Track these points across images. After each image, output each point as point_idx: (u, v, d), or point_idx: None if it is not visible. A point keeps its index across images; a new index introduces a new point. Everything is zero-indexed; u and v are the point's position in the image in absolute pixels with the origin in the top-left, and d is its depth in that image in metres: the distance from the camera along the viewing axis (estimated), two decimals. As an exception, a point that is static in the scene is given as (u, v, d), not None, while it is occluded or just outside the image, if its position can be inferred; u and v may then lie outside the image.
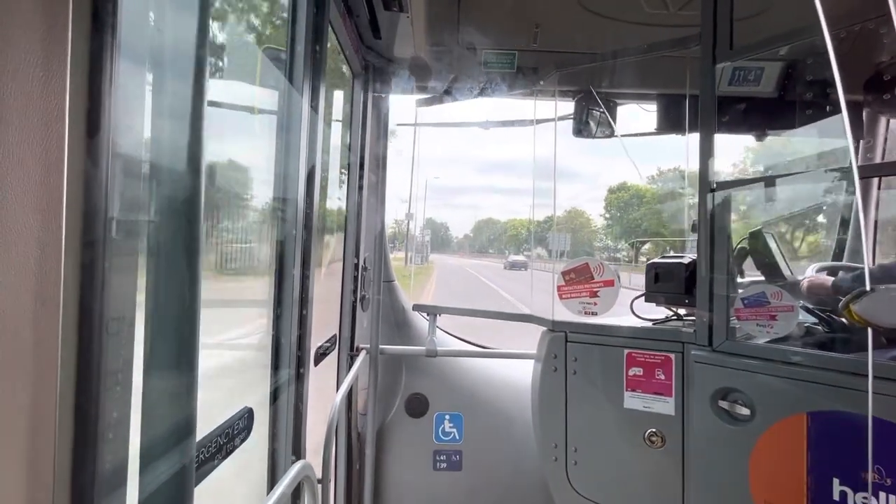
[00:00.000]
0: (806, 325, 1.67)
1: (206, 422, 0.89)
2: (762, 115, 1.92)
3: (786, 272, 1.72)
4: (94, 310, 0.52)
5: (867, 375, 1.11)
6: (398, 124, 2.36)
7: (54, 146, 0.46)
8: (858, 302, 0.99)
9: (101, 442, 0.53)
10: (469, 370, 2.30)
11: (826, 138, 2.05)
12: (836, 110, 1.63)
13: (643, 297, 1.84)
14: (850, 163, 1.52)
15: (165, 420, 0.67)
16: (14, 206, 0.44)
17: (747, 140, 2.10)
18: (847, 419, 1.21)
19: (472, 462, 2.20)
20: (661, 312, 1.88)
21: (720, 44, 1.51)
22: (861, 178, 1.76)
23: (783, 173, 1.44)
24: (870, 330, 1.00)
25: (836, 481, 1.23)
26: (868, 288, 1.00)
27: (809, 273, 1.87)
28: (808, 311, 1.69)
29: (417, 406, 2.22)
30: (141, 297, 0.60)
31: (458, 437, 2.21)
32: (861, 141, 2.09)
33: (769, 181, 1.56)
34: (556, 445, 1.76)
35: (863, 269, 1.78)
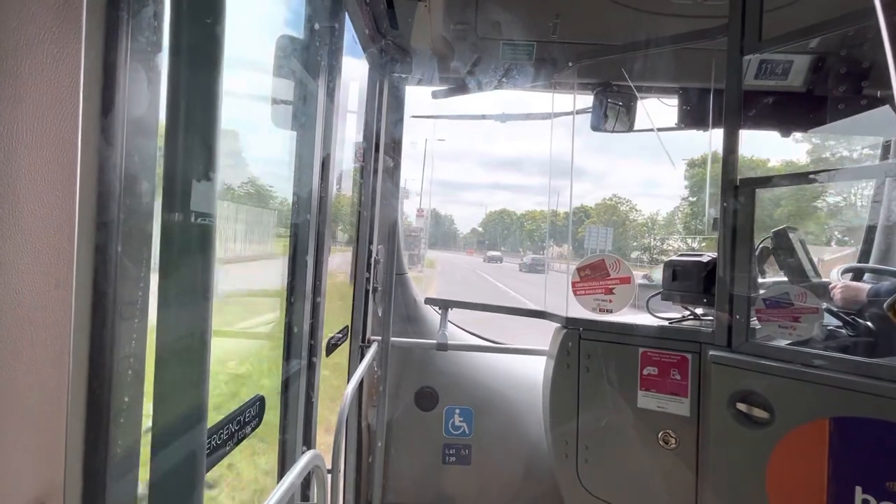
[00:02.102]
0: (829, 327, 1.62)
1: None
2: (789, 110, 1.86)
3: (810, 273, 1.67)
4: (108, 294, 0.51)
5: None
6: (413, 116, 2.33)
7: (67, 126, 0.45)
8: None
9: (113, 426, 0.53)
10: (480, 365, 2.28)
11: (855, 134, 1.97)
12: (870, 105, 1.57)
13: (659, 296, 1.80)
14: None
15: (177, 406, 0.67)
16: (27, 187, 0.43)
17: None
18: (873, 426, 1.17)
19: (481, 457, 2.19)
20: (677, 311, 1.84)
21: (748, 35, 1.45)
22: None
23: (810, 170, 1.39)
24: None
25: (858, 489, 1.19)
26: None
27: (835, 274, 1.81)
28: (832, 313, 1.64)
29: (427, 399, 2.22)
30: (154, 282, 0.59)
31: (467, 432, 2.20)
32: (893, 139, 2.01)
33: (795, 179, 1.50)
34: (567, 443, 1.74)
35: None
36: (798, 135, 2.00)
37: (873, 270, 1.95)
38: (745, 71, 1.49)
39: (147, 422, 0.61)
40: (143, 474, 0.60)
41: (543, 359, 1.91)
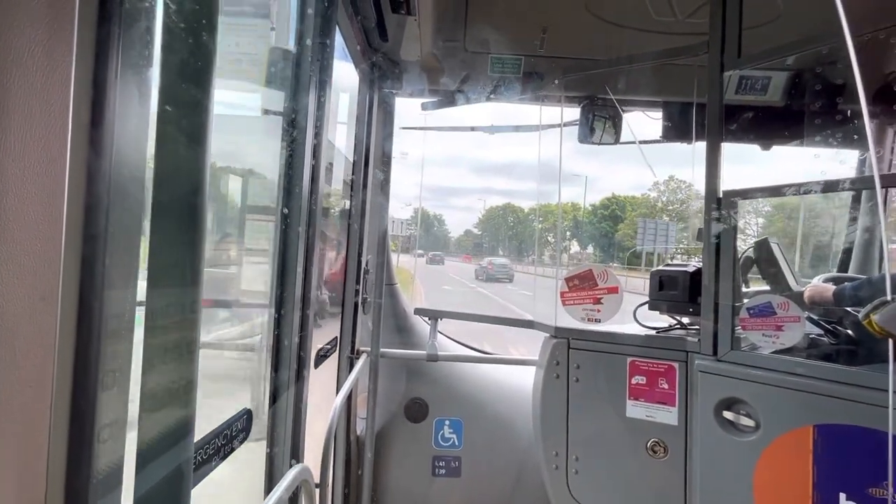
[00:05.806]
0: (811, 335, 1.65)
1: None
2: (769, 125, 1.92)
3: (792, 282, 1.70)
4: (94, 307, 0.51)
5: (880, 389, 1.09)
6: (403, 128, 2.35)
7: (56, 137, 0.45)
8: (880, 312, 0.96)
9: (98, 441, 0.52)
10: (470, 375, 2.28)
11: (832, 148, 2.03)
12: (845, 120, 1.62)
13: (647, 305, 1.82)
14: (873, 173, 1.50)
15: (163, 420, 0.65)
16: (14, 198, 0.43)
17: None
18: (856, 433, 1.19)
19: (471, 469, 2.17)
20: (664, 321, 1.86)
21: (728, 52, 1.50)
22: (883, 187, 1.73)
23: (791, 183, 1.43)
24: (891, 342, 0.96)
25: (842, 496, 1.21)
26: (889, 298, 0.98)
27: (816, 283, 1.85)
28: (813, 321, 1.68)
29: (417, 411, 2.20)
30: (141, 295, 0.59)
31: (457, 444, 2.19)
32: (868, 152, 2.08)
33: (776, 191, 1.55)
34: (556, 453, 1.74)
35: (863, 278, 1.76)
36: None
37: (852, 279, 1.99)
38: (726, 86, 1.53)
39: (133, 437, 0.60)
40: (129, 491, 0.59)
41: (533, 369, 1.91)
